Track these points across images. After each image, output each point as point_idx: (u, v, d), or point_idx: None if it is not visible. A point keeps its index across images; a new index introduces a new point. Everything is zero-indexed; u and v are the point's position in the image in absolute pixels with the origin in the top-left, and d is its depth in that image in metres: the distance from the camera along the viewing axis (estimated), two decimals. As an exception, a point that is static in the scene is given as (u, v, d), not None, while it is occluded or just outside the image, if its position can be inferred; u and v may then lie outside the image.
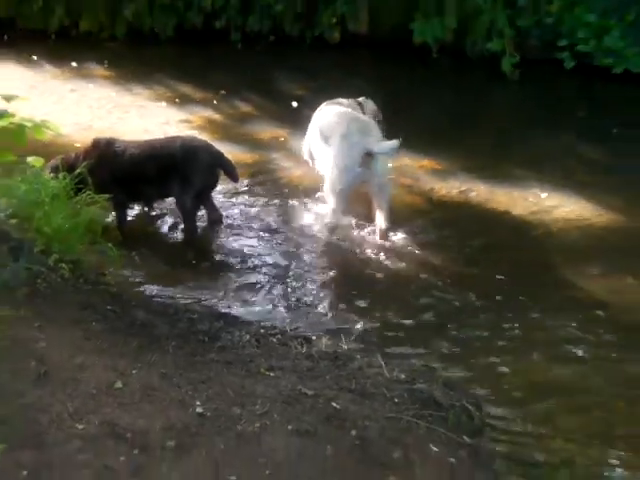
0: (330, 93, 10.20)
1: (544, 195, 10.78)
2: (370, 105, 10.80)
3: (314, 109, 10.11)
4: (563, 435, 6.75)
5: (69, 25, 15.97)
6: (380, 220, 9.68)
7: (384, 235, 9.68)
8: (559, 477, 6.32)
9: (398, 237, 9.81)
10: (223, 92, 13.92)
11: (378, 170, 9.45)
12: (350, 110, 9.98)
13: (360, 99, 10.75)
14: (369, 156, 9.30)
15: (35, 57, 14.70)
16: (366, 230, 9.89)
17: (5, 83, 11.92)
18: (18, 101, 7.67)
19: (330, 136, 9.62)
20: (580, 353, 7.86)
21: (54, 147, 9.54)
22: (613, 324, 8.28)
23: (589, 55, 14.80)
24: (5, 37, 16.08)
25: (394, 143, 9.31)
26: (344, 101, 10.33)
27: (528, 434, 6.74)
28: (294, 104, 12.23)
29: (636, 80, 14.36)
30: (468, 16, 15.12)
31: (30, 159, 8.25)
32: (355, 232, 9.88)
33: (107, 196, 8.88)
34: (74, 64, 14.48)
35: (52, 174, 8.86)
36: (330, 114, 9.96)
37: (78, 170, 8.82)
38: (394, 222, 9.92)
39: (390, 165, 10.04)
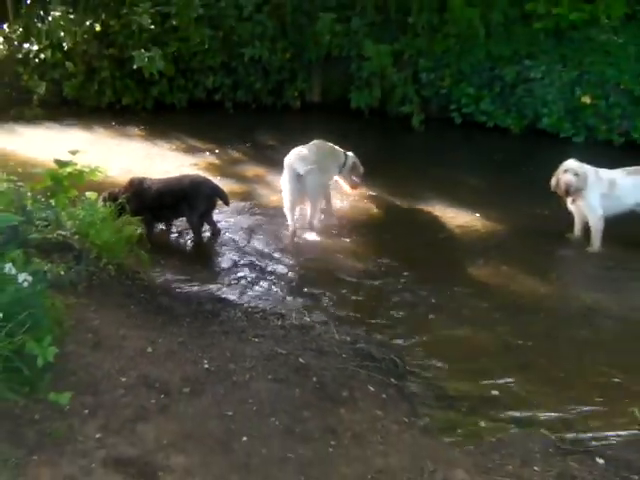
0: (293, 144, 10.11)
1: (445, 210, 10.78)
2: (351, 159, 10.98)
3: (284, 156, 9.98)
4: (460, 374, 6.85)
5: (115, 101, 15.93)
6: (309, 216, 9.99)
7: (311, 224, 9.98)
8: (458, 401, 6.43)
9: (343, 237, 9.85)
10: (249, 144, 13.80)
11: (306, 185, 9.68)
12: (301, 147, 10.13)
13: (349, 153, 10.97)
14: (300, 176, 9.55)
15: (92, 124, 14.59)
16: (315, 234, 9.93)
17: (71, 142, 11.79)
18: (79, 154, 7.98)
19: None
20: (469, 316, 7.97)
21: (105, 185, 9.46)
22: (491, 296, 8.42)
23: (471, 114, 14.89)
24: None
25: (312, 168, 9.65)
26: (327, 144, 10.74)
27: (436, 376, 6.79)
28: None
29: (502, 131, 14.44)
30: (388, 89, 15.14)
31: (87, 194, 8.33)
32: (309, 236, 9.90)
33: (140, 218, 8.86)
34: (118, 127, 14.40)
35: (103, 203, 8.86)
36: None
37: (119, 200, 8.79)
38: (341, 228, 10.12)
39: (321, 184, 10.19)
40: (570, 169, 9.47)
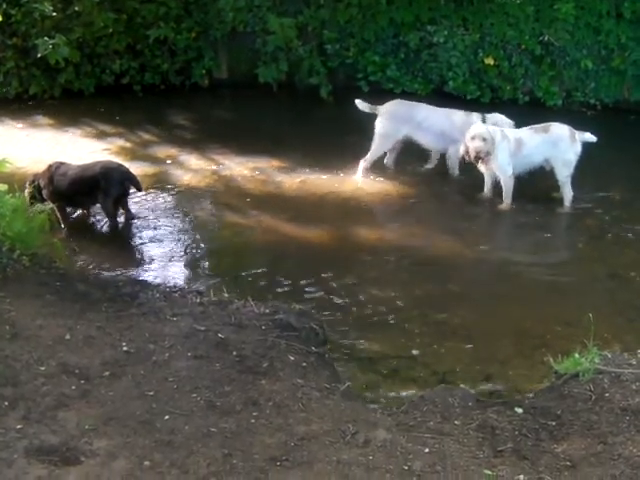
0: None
1: (355, 179, 10.83)
2: (498, 118, 10.66)
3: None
4: (380, 337, 7.04)
5: (22, 92, 15.56)
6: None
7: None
8: (379, 363, 6.63)
9: (256, 211, 9.83)
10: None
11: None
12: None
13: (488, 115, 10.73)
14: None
15: None
16: (233, 211, 9.91)
17: (-22, 136, 11.63)
18: (-14, 147, 7.71)
19: None
20: (387, 279, 8.19)
21: (16, 176, 9.40)
22: (407, 258, 8.65)
23: (378, 82, 14.91)
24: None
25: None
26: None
27: (356, 341, 6.94)
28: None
29: (410, 96, 14.31)
30: (294, 62, 15.07)
31: (-3, 186, 8.10)
32: (227, 213, 9.88)
33: (53, 205, 8.93)
34: (27, 117, 14.09)
35: (29, 187, 9.08)
36: None
37: (28, 190, 8.78)
38: (252, 202, 10.10)
39: None
40: (477, 135, 9.61)
